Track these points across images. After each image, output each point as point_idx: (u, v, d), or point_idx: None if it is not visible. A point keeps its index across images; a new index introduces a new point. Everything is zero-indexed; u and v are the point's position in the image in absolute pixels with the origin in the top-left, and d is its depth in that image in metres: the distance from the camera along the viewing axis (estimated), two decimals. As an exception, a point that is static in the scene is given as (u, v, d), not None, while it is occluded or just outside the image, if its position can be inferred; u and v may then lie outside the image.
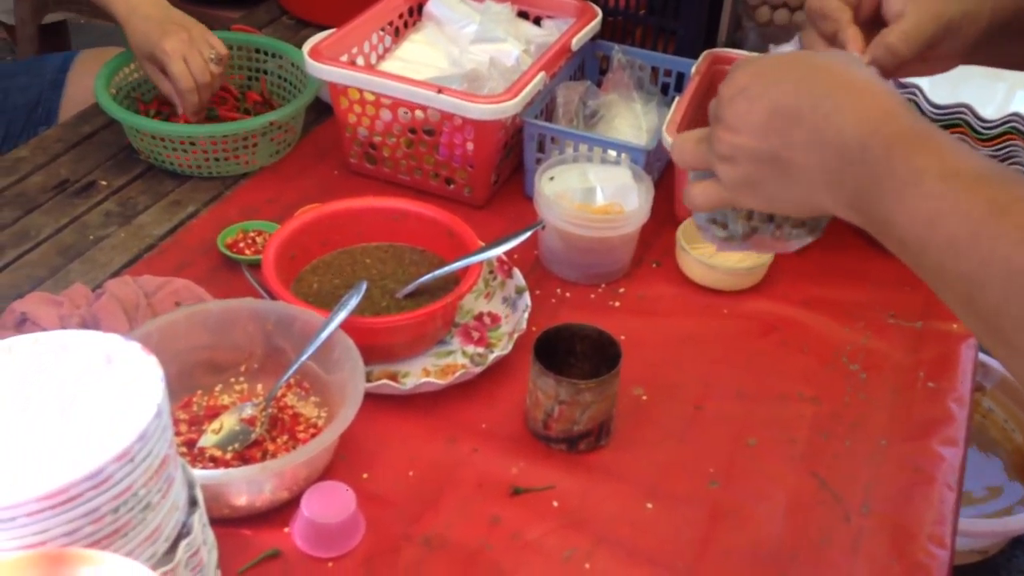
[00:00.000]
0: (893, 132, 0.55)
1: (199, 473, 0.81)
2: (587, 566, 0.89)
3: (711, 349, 1.14)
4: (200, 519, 0.73)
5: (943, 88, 1.23)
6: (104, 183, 1.33)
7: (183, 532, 0.71)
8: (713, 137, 0.63)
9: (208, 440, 0.95)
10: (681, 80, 1.42)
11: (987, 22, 0.68)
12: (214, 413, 0.98)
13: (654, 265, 1.25)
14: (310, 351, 0.97)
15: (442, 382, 1.02)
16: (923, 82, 1.24)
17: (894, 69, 0.68)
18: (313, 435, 0.95)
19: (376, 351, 1.05)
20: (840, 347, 1.15)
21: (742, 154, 0.60)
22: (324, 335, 0.96)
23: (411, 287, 1.10)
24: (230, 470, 0.89)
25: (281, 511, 0.91)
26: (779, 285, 1.23)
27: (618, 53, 1.42)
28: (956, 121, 1.22)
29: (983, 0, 0.68)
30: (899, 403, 1.08)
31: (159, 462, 0.66)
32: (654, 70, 1.44)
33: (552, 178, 1.22)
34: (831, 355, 1.14)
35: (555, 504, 0.95)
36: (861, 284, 1.24)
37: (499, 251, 1.10)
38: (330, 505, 0.88)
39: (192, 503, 0.73)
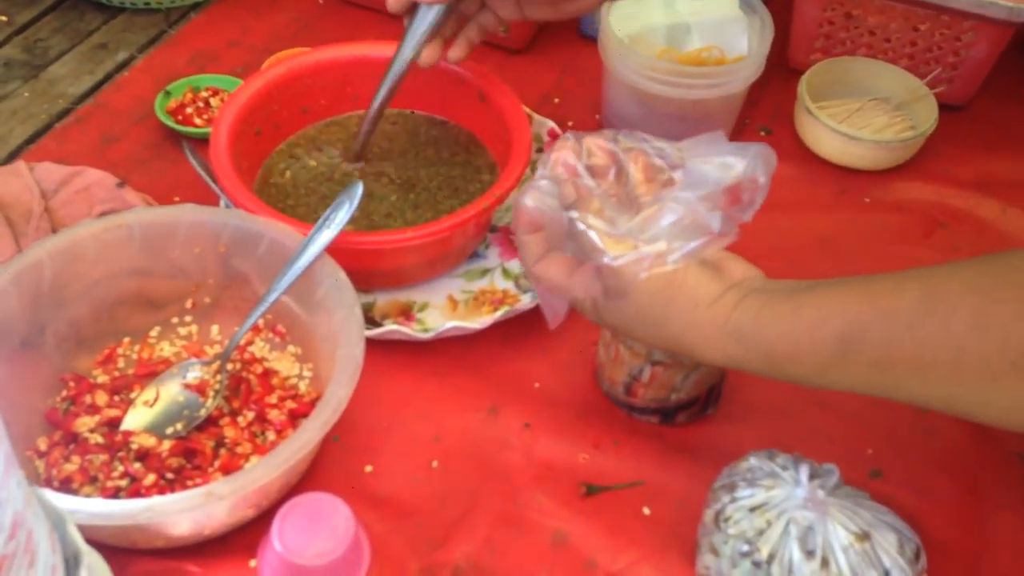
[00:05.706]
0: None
1: (80, 509, 0.51)
2: (697, 610, 0.61)
3: (853, 258, 0.81)
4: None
5: None
6: (3, 18, 0.98)
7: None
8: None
9: (137, 419, 0.64)
10: None
11: None
12: (149, 371, 0.68)
13: (762, 133, 0.91)
14: (280, 289, 0.65)
15: (475, 325, 0.71)
16: None
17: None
18: (292, 412, 0.65)
19: (378, 276, 0.74)
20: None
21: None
22: (299, 266, 0.64)
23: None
24: (130, 506, 0.53)
25: (246, 531, 0.62)
26: (940, 159, 0.89)
27: None
28: None
29: None
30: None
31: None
32: None
33: (625, 10, 0.85)
34: None
35: (647, 512, 0.65)
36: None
37: None
38: (316, 533, 0.58)
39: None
